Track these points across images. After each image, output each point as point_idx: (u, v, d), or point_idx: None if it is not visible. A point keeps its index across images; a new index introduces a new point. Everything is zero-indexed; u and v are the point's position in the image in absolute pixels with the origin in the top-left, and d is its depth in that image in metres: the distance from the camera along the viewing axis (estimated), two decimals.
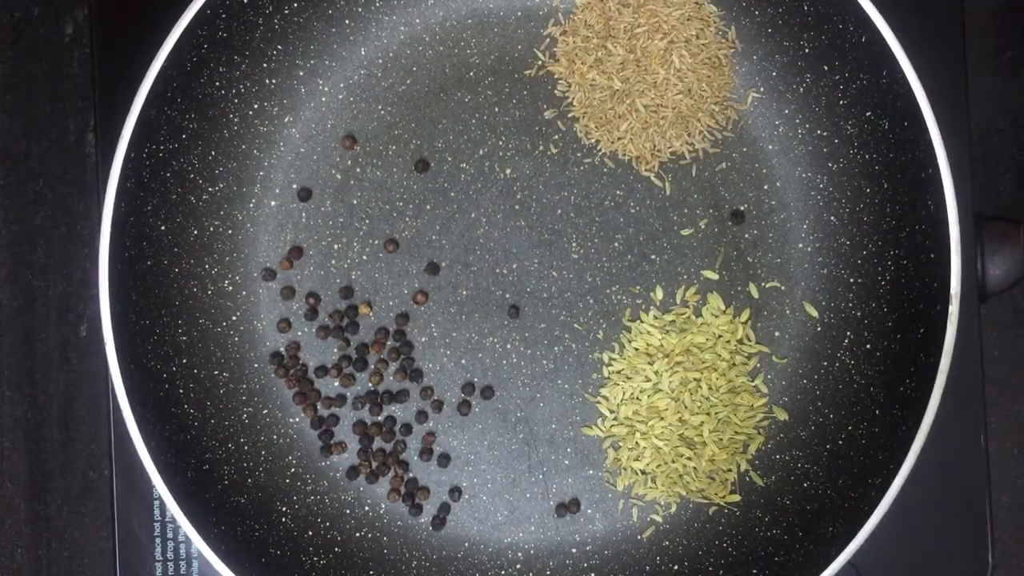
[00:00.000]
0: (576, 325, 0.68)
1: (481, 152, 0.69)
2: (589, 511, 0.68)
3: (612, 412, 0.67)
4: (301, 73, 0.69)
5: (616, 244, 0.68)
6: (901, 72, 0.60)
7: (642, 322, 0.67)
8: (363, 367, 0.68)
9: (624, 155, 0.68)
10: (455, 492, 0.67)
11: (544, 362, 0.68)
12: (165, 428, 0.63)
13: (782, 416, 0.67)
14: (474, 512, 0.68)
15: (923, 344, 0.61)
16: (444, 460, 0.68)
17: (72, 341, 0.76)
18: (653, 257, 0.68)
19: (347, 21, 0.69)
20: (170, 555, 0.68)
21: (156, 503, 0.68)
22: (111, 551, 0.68)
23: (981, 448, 0.68)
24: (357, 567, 0.66)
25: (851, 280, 0.67)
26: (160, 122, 0.63)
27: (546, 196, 0.69)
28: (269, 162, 0.69)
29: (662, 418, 0.66)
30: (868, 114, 0.64)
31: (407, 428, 0.68)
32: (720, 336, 0.67)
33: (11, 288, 0.76)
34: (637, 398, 0.66)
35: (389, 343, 0.68)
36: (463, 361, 0.68)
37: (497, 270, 0.68)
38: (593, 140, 0.68)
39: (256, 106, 0.68)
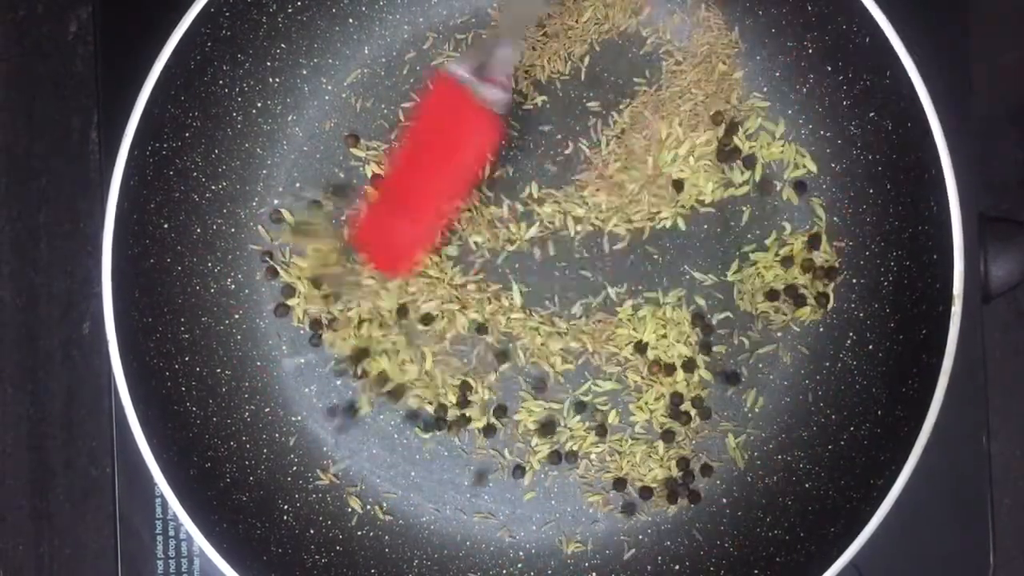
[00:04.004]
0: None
1: None
2: (590, 511, 0.68)
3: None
4: (304, 71, 0.69)
5: (619, 244, 0.68)
6: (904, 73, 0.60)
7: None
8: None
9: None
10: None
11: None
12: (167, 426, 0.63)
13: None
14: (475, 511, 0.68)
15: (926, 345, 0.61)
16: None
17: (75, 339, 0.76)
18: (656, 257, 0.68)
19: (350, 20, 0.69)
20: (171, 552, 0.68)
21: (158, 500, 0.68)
22: (113, 548, 0.68)
23: (983, 449, 0.68)
24: (358, 566, 0.66)
25: (854, 280, 0.67)
26: (163, 120, 0.63)
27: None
28: (272, 160, 0.69)
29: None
30: (871, 115, 0.64)
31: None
32: None
33: (14, 286, 0.76)
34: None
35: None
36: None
37: (499, 267, 0.68)
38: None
39: (259, 104, 0.68)
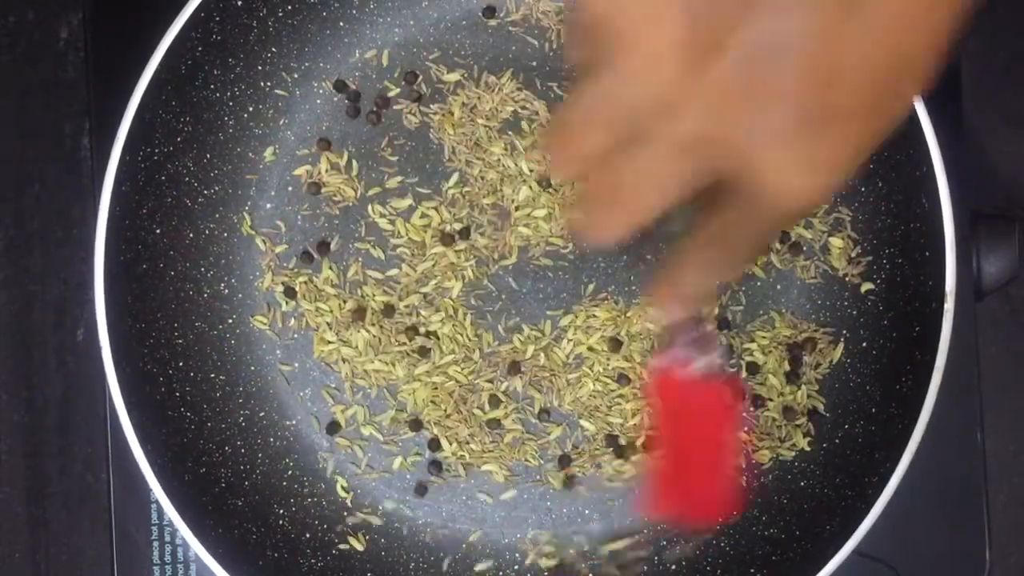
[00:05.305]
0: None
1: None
2: (587, 511, 0.68)
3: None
4: (296, 75, 0.69)
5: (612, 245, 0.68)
6: None
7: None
8: None
9: None
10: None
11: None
12: (162, 431, 0.63)
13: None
14: (472, 513, 0.68)
15: (919, 342, 0.61)
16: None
17: (69, 345, 0.76)
18: (648, 257, 0.68)
19: (341, 23, 0.69)
20: (167, 558, 0.68)
21: (153, 506, 0.68)
22: (109, 555, 0.68)
23: (978, 446, 0.68)
24: (354, 570, 0.66)
25: (846, 278, 0.67)
26: (155, 126, 0.63)
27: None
28: (264, 164, 0.69)
29: None
30: None
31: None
32: None
33: (8, 293, 0.76)
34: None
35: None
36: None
37: (492, 270, 0.69)
38: None
39: (251, 109, 0.68)
